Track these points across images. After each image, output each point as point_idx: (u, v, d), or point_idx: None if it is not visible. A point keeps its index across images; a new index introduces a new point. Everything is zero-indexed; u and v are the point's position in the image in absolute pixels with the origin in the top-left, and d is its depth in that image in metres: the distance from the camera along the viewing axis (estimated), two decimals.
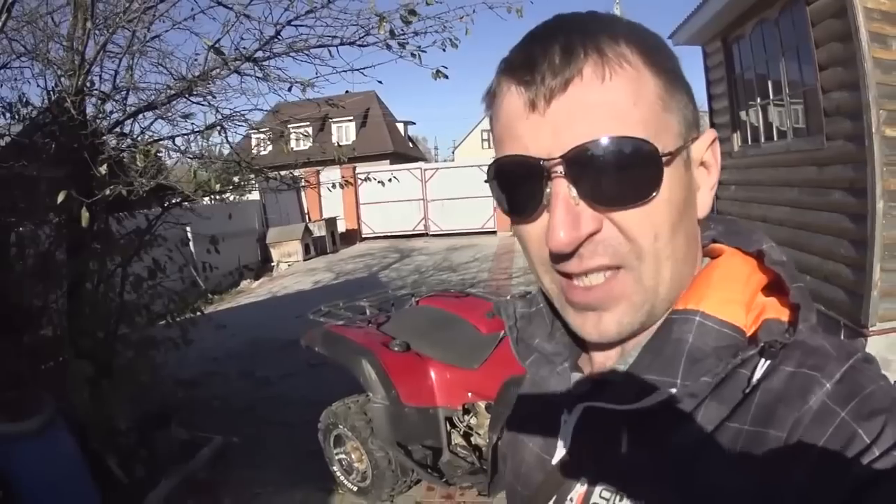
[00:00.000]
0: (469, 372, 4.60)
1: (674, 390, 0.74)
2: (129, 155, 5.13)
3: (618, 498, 0.80)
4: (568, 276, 0.79)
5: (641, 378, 0.78)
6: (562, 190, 0.73)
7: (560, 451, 0.91)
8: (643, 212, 0.73)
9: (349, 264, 19.76)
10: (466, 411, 4.71)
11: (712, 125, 10.23)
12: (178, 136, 5.75)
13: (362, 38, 5.29)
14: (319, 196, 23.76)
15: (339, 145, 7.05)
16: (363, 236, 26.92)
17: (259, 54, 5.21)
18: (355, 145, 35.14)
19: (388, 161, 33.61)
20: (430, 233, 26.31)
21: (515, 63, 0.77)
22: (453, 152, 62.95)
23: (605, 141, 0.70)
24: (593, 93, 0.71)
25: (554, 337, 0.96)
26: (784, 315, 0.77)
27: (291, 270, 19.67)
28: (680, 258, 0.79)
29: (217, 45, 4.84)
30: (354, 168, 21.58)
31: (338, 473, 5.25)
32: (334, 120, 35.42)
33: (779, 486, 0.66)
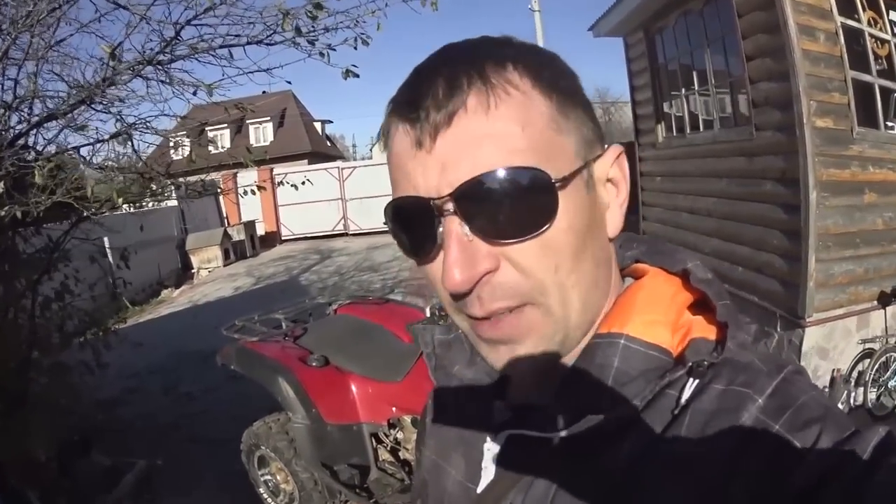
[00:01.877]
0: (392, 385, 4.44)
1: (601, 417, 0.71)
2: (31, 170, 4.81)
3: None
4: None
5: (567, 404, 0.75)
6: (454, 228, 0.70)
7: (485, 480, 0.87)
8: (540, 243, 0.70)
9: (270, 268, 19.51)
10: (392, 426, 4.53)
11: (635, 116, 10.38)
12: (83, 146, 5.48)
13: (269, 36, 5.12)
14: (238, 199, 23.35)
15: (248, 150, 6.76)
16: (283, 238, 26.78)
17: (161, 57, 4.98)
18: (273, 146, 35.07)
19: (306, 161, 33.65)
20: (350, 232, 26.32)
21: (401, 101, 0.74)
22: (370, 149, 62.89)
23: (493, 174, 0.68)
24: (479, 124, 0.68)
25: (474, 363, 0.94)
26: (711, 334, 0.76)
27: (212, 277, 19.36)
28: (588, 284, 0.76)
29: (115, 51, 4.61)
30: (272, 170, 21.34)
31: (265, 495, 5.06)
32: (251, 121, 35.34)
33: None
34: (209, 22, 4.93)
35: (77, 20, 4.98)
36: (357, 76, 5.33)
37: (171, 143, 6.60)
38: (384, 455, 4.59)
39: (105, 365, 6.09)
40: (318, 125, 42.15)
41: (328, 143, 44.39)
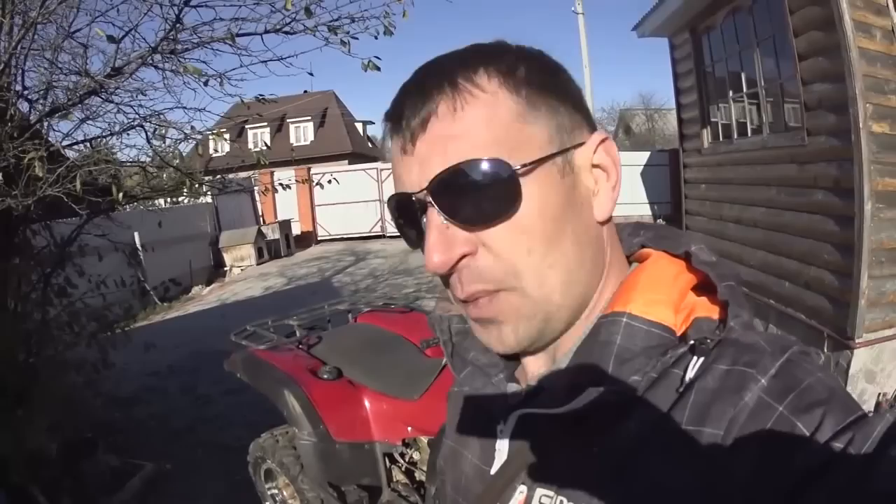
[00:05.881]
0: (408, 403, 4.04)
1: (601, 389, 0.74)
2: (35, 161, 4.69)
3: (558, 501, 0.79)
4: None
5: (571, 381, 0.78)
6: (433, 217, 0.77)
7: (498, 461, 0.91)
8: (511, 228, 0.76)
9: (303, 268, 19.39)
10: (407, 446, 4.15)
11: (680, 120, 10.12)
12: (94, 138, 5.47)
13: (289, 24, 5.00)
14: (274, 198, 23.43)
15: (268, 146, 6.61)
16: (319, 238, 26.63)
17: (165, 45, 4.82)
18: (313, 145, 35.47)
19: (346, 161, 33.86)
20: (388, 234, 26.05)
21: (389, 113, 0.83)
22: None
23: (457, 166, 0.74)
24: (448, 125, 0.76)
25: (489, 349, 0.94)
26: (715, 313, 0.79)
27: (244, 275, 19.34)
28: (570, 265, 0.80)
29: (115, 37, 4.54)
30: (309, 169, 21.30)
31: None
32: (292, 120, 35.66)
33: (720, 483, 0.65)
34: (210, 3, 4.79)
35: (96, 10, 4.78)
36: (378, 69, 5.16)
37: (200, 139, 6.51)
38: (398, 476, 4.24)
39: (111, 365, 5.91)
40: (359, 126, 42.36)
41: (370, 145, 44.60)
